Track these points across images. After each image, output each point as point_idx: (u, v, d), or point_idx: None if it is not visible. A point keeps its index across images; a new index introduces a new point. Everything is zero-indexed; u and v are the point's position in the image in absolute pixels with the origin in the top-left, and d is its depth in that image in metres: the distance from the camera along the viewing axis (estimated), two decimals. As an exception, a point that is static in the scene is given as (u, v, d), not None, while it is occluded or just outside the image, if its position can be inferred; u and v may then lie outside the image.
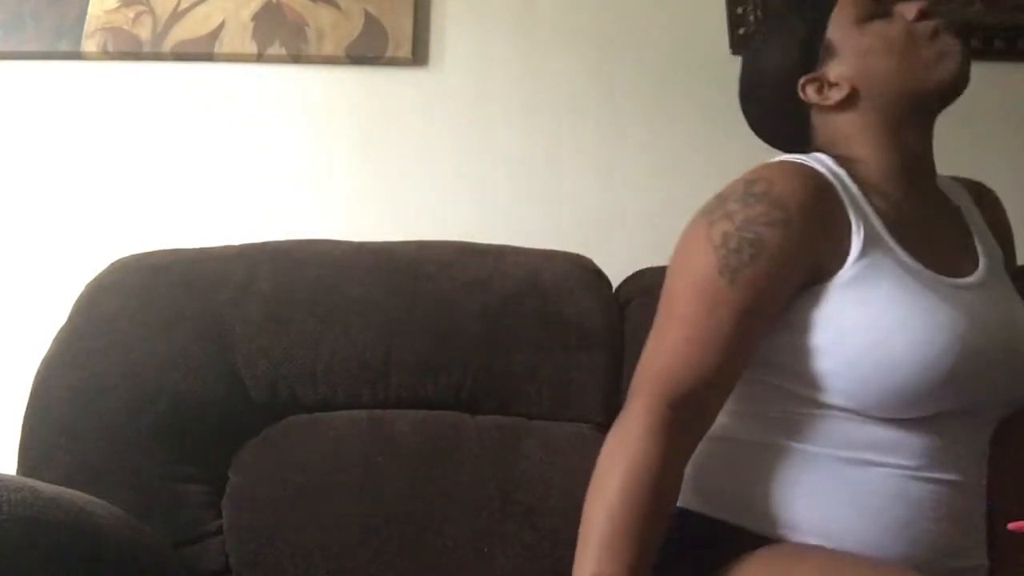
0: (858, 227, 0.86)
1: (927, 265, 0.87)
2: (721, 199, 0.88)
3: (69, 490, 0.88)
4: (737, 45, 1.59)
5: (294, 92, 1.55)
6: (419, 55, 1.57)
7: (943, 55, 0.92)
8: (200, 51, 1.53)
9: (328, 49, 1.54)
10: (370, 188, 1.52)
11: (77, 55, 1.52)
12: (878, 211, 0.89)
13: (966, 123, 1.64)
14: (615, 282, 1.27)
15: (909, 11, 0.93)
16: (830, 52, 0.95)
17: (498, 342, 1.12)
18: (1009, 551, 0.89)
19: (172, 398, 1.05)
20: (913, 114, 0.94)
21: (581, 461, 1.08)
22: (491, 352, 1.12)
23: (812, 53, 0.95)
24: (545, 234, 1.37)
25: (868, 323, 0.82)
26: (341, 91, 1.55)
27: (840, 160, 0.93)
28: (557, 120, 1.56)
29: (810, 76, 0.95)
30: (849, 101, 0.94)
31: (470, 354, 1.12)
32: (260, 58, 1.54)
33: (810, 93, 0.95)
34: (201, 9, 1.55)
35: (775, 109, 1.00)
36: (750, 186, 0.87)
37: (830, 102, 0.94)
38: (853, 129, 0.95)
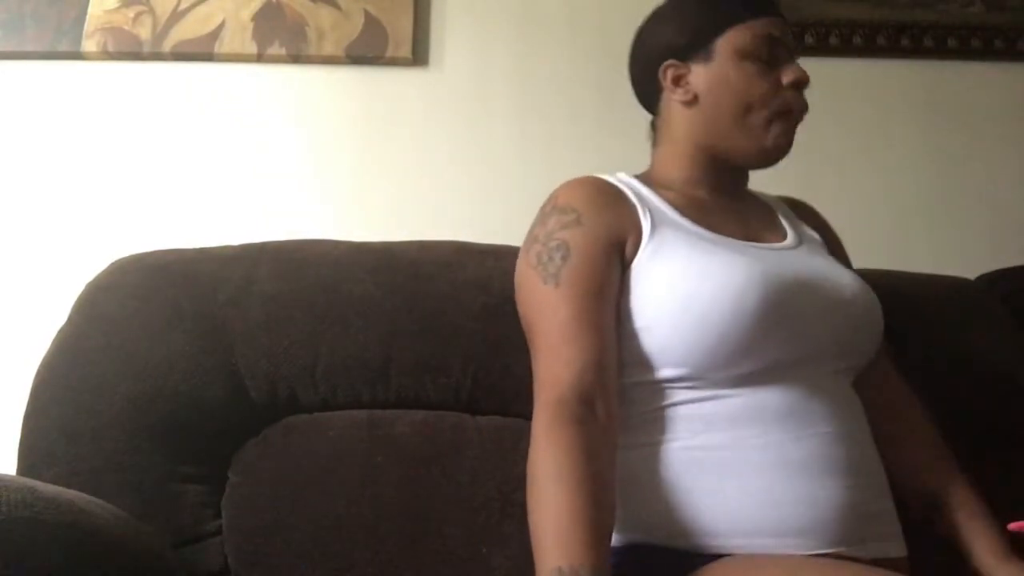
0: (644, 212, 0.95)
1: (723, 234, 0.95)
2: (531, 228, 0.99)
3: (69, 490, 0.88)
4: (737, 45, 1.59)
5: (294, 92, 1.55)
6: (419, 55, 1.57)
7: (770, 136, 0.98)
8: (200, 51, 1.53)
9: (328, 49, 1.55)
10: (370, 188, 1.52)
11: (77, 55, 1.52)
12: (667, 200, 0.98)
13: (966, 123, 1.64)
14: (615, 282, 1.27)
15: (788, 75, 0.98)
16: (706, 58, 1.00)
17: (498, 342, 1.12)
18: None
19: (172, 398, 1.05)
20: (725, 160, 1.02)
21: (581, 461, 1.08)
22: (491, 352, 1.12)
23: (694, 49, 1.01)
24: (545, 234, 1.37)
25: (674, 283, 0.88)
26: (341, 91, 1.55)
27: (640, 175, 1.05)
28: (556, 120, 1.57)
29: (676, 63, 1.02)
30: (687, 106, 1.01)
31: (470, 354, 1.12)
32: (260, 58, 1.54)
33: (667, 77, 1.02)
34: (201, 9, 1.55)
35: (641, 73, 1.07)
36: (543, 208, 0.99)
37: (674, 96, 1.02)
38: (678, 129, 1.03)
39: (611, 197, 0.97)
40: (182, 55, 1.53)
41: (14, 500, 0.76)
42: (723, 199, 1.02)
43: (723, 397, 0.87)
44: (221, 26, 1.54)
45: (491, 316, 1.14)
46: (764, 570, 0.78)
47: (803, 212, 1.11)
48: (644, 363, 0.90)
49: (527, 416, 1.13)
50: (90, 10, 1.53)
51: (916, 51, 1.62)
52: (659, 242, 0.93)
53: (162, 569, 0.95)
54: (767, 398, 0.86)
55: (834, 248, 1.08)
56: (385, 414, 1.10)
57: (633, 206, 0.96)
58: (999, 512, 0.90)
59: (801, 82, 0.98)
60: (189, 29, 1.54)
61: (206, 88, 1.54)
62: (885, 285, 1.06)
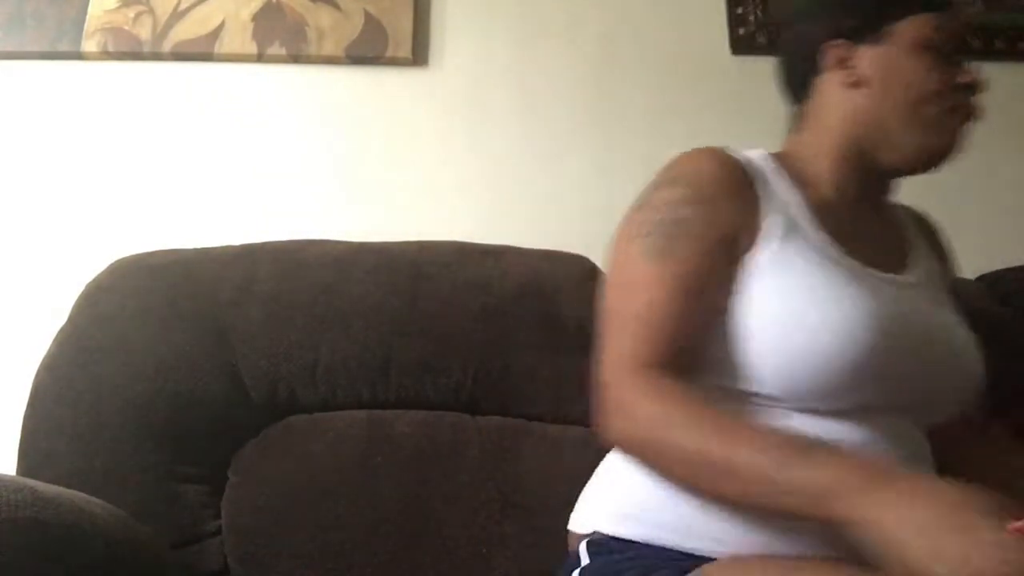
0: (772, 211, 0.88)
1: (850, 254, 0.87)
2: (643, 193, 0.92)
3: (69, 490, 0.88)
4: (737, 45, 1.59)
5: (294, 92, 1.55)
6: (419, 55, 1.57)
7: (944, 132, 0.91)
8: (200, 51, 1.53)
9: (328, 49, 1.54)
10: (370, 188, 1.52)
11: (77, 55, 1.52)
12: (802, 200, 0.90)
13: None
14: (615, 282, 1.27)
15: (965, 75, 0.91)
16: (877, 41, 0.92)
17: (498, 342, 1.12)
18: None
19: (172, 398, 1.05)
20: (873, 152, 0.93)
21: (581, 462, 1.08)
22: (491, 353, 1.12)
23: (865, 31, 0.93)
24: (545, 234, 1.37)
25: (786, 303, 0.82)
26: (341, 91, 1.55)
27: (778, 157, 0.95)
28: (557, 120, 1.57)
29: (844, 44, 0.93)
30: (850, 88, 0.93)
31: (470, 354, 1.12)
32: (260, 58, 1.54)
33: (830, 57, 0.94)
34: (201, 9, 1.55)
35: (795, 52, 0.99)
36: (665, 173, 0.91)
37: (836, 77, 0.93)
38: (833, 113, 0.94)
39: (740, 185, 0.89)
40: (182, 55, 1.53)
41: (14, 500, 0.76)
42: (861, 208, 0.94)
43: (799, 417, 0.82)
44: (221, 26, 1.54)
45: (491, 316, 1.14)
46: (802, 572, 0.75)
47: (927, 231, 1.05)
48: (732, 369, 0.85)
49: (527, 416, 1.13)
50: (90, 10, 1.53)
51: (915, 51, 1.62)
52: (781, 250, 0.85)
53: (162, 569, 0.95)
54: (844, 430, 0.81)
55: (947, 275, 1.02)
56: (385, 414, 1.10)
57: (760, 201, 0.88)
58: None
59: (978, 85, 0.91)
60: (189, 29, 1.54)
61: (206, 88, 1.54)
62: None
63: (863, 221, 0.93)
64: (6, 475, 0.84)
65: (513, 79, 1.58)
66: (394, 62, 1.56)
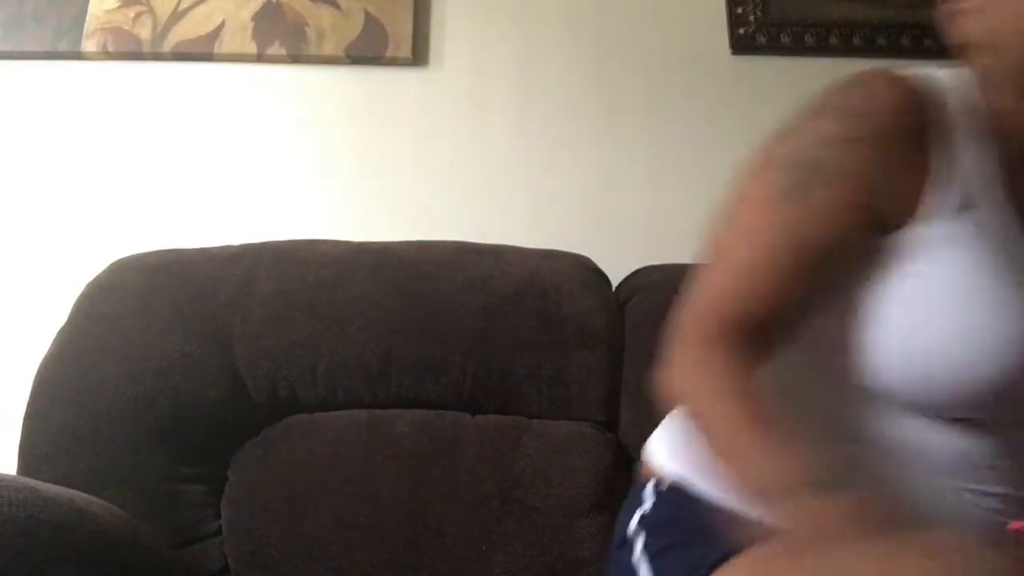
0: (951, 176, 0.70)
1: None
2: (798, 112, 0.74)
3: (69, 490, 0.88)
4: (737, 45, 1.59)
5: (294, 92, 1.55)
6: (419, 55, 1.57)
7: None
8: (200, 51, 1.53)
9: (328, 49, 1.54)
10: (370, 188, 1.52)
11: (77, 55, 1.52)
12: (998, 155, 0.71)
13: (966, 123, 1.64)
14: (615, 281, 1.27)
15: None
16: None
17: (498, 342, 1.12)
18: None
19: (172, 398, 1.05)
20: None
21: (581, 460, 1.08)
22: (491, 352, 1.12)
23: None
24: (545, 234, 1.37)
25: (932, 300, 0.69)
26: (341, 91, 1.55)
27: (979, 92, 0.73)
28: (557, 120, 1.56)
29: None
30: (972, 48, 0.72)
31: (470, 354, 1.12)
32: (260, 58, 1.54)
33: (945, 10, 0.73)
34: (201, 9, 1.55)
35: None
36: (828, 97, 0.73)
37: (952, 36, 0.72)
38: (983, 74, 0.74)
39: (917, 134, 0.70)
40: (182, 55, 1.53)
41: (14, 500, 0.76)
42: None
43: (908, 423, 0.73)
44: (221, 26, 1.54)
45: (491, 316, 1.14)
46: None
47: None
48: (845, 350, 0.73)
49: (527, 414, 1.13)
50: (90, 10, 1.53)
51: (916, 51, 1.62)
52: (946, 234, 0.69)
53: (162, 569, 0.95)
54: (954, 443, 0.72)
55: None
56: (385, 413, 1.11)
57: (936, 163, 0.70)
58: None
59: None
60: (189, 29, 1.54)
61: (206, 88, 1.54)
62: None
63: None
64: (6, 475, 0.84)
65: (513, 79, 1.58)
66: (394, 62, 1.56)
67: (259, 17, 1.55)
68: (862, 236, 0.70)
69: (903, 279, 0.70)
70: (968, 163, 0.70)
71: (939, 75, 0.74)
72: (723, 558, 0.69)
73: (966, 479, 0.72)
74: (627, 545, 0.83)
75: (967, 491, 0.72)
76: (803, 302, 0.72)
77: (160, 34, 1.53)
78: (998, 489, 0.72)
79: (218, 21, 1.54)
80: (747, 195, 0.74)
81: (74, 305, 1.12)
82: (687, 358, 0.71)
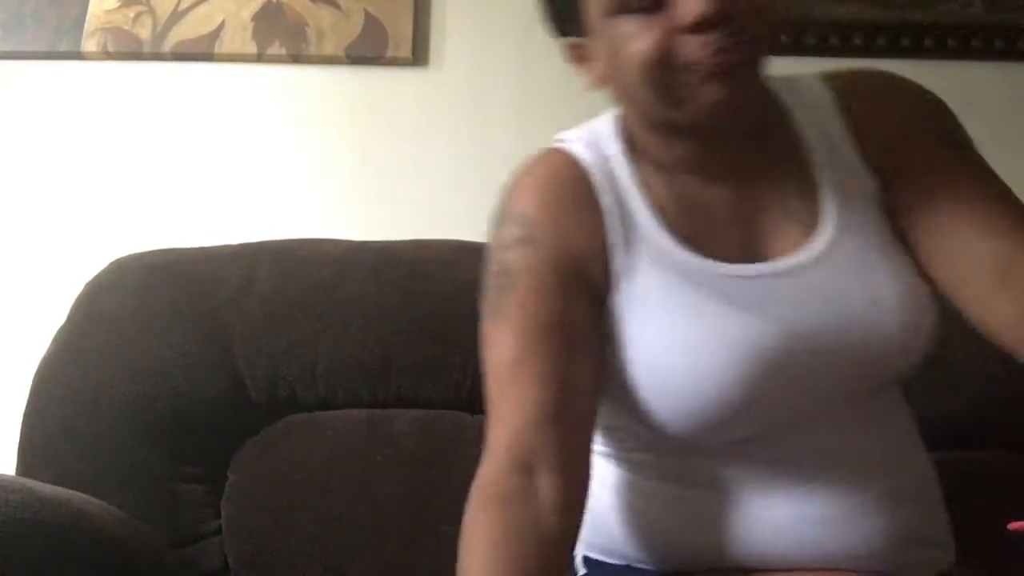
0: (623, 236, 0.74)
1: (718, 257, 0.73)
2: (490, 225, 0.79)
3: (67, 490, 0.88)
4: (737, 45, 1.59)
5: (294, 92, 1.55)
6: (419, 55, 1.57)
7: (691, 99, 0.68)
8: (200, 51, 1.53)
9: (328, 49, 1.54)
10: (370, 188, 1.52)
11: (77, 55, 1.52)
12: (654, 205, 0.75)
13: (966, 123, 1.64)
14: (615, 282, 1.27)
15: (686, 12, 0.64)
16: (588, 30, 0.73)
17: (498, 342, 1.12)
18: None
19: (172, 398, 1.05)
20: (676, 133, 0.74)
21: (581, 461, 1.08)
22: (491, 352, 1.12)
23: (570, 21, 0.74)
24: (545, 234, 1.36)
25: (649, 355, 0.72)
26: (341, 91, 1.55)
27: (627, 129, 0.79)
28: (556, 120, 1.56)
29: (573, 42, 0.76)
30: (604, 87, 0.75)
31: (470, 353, 1.12)
32: (260, 58, 1.54)
33: (573, 58, 0.78)
34: (201, 9, 1.55)
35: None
36: (501, 204, 0.78)
37: (586, 79, 0.77)
38: (622, 110, 0.79)
39: (577, 204, 0.75)
40: (182, 55, 1.53)
41: (14, 501, 0.76)
42: (724, 182, 0.76)
43: (711, 459, 0.75)
44: (221, 26, 1.54)
45: (491, 316, 1.14)
46: None
47: (857, 114, 0.78)
48: (626, 410, 0.76)
49: (527, 416, 1.13)
50: (90, 10, 1.53)
51: (916, 51, 1.62)
52: (636, 285, 0.73)
53: (162, 569, 0.95)
54: (752, 459, 0.74)
55: (906, 168, 0.76)
56: (385, 413, 1.10)
57: (606, 226, 0.74)
58: (993, 513, 0.89)
59: (701, 21, 0.64)
60: (189, 29, 1.54)
61: (206, 88, 1.54)
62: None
63: (734, 195, 0.75)
64: (6, 475, 0.84)
65: (513, 79, 1.57)
66: (394, 62, 1.56)
67: (259, 17, 1.55)
68: (582, 307, 0.73)
69: (626, 338, 0.73)
70: (631, 207, 0.75)
71: (595, 127, 0.81)
72: None
73: (806, 480, 0.73)
74: None
75: (815, 491, 0.73)
76: (571, 392, 0.71)
77: (160, 34, 1.53)
78: (841, 474, 0.73)
79: (218, 21, 1.54)
80: (483, 317, 0.76)
81: (74, 305, 1.12)
82: (467, 522, 0.69)
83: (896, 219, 0.76)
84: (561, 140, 0.82)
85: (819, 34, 1.61)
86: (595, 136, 0.80)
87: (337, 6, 1.56)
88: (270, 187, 1.50)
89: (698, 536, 0.76)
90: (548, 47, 1.47)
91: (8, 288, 1.42)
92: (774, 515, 0.74)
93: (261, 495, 1.05)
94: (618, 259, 0.74)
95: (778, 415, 0.73)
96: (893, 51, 1.61)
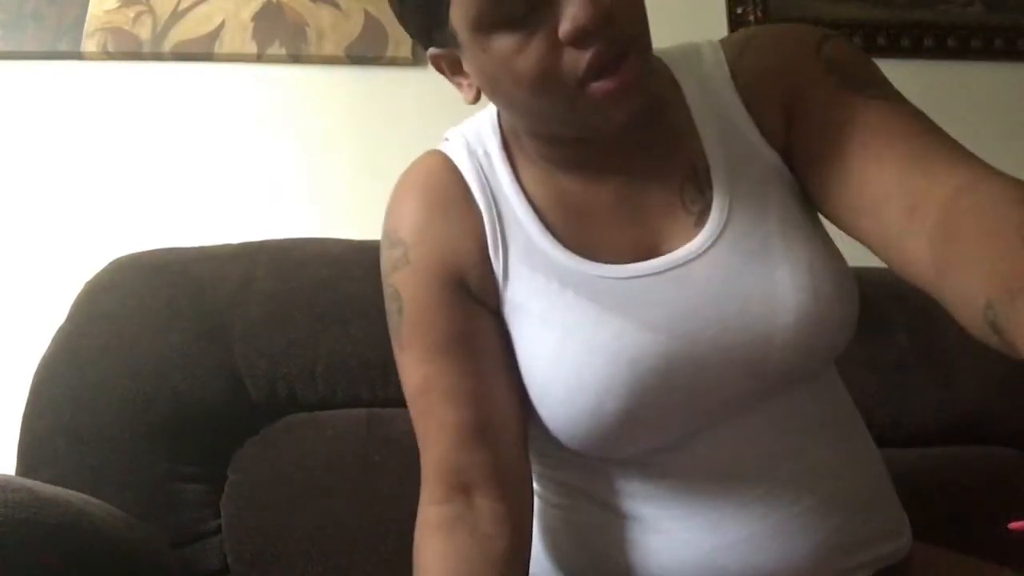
0: (500, 241, 0.70)
1: (603, 258, 0.69)
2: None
3: (67, 490, 0.88)
4: (737, 45, 1.59)
5: (294, 92, 1.55)
6: (419, 55, 1.57)
7: (587, 113, 0.63)
8: (200, 51, 1.53)
9: (328, 49, 1.54)
10: (370, 188, 1.52)
11: (77, 55, 1.52)
12: (532, 205, 0.71)
13: (966, 123, 1.64)
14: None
15: (565, 29, 0.59)
16: (456, 43, 0.66)
17: (498, 342, 1.12)
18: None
19: (171, 397, 1.05)
20: (562, 140, 0.70)
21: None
22: (491, 352, 1.12)
23: (439, 33, 0.67)
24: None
25: (529, 366, 0.69)
26: (341, 91, 1.55)
27: (508, 126, 0.75)
28: (557, 120, 1.56)
29: (442, 53, 0.69)
30: (479, 98, 0.71)
31: (470, 354, 1.12)
32: (260, 58, 1.54)
33: (444, 68, 0.71)
34: (201, 9, 1.55)
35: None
36: (385, 215, 0.76)
37: (461, 92, 0.71)
38: (504, 115, 0.75)
39: (450, 211, 0.71)
40: (182, 55, 1.53)
41: (12, 501, 0.75)
42: (607, 178, 0.71)
43: (625, 471, 0.71)
44: (221, 26, 1.54)
45: (491, 316, 1.14)
46: None
47: (747, 78, 0.71)
48: (535, 427, 0.72)
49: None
50: (90, 10, 1.53)
51: (916, 51, 1.62)
52: (517, 293, 0.70)
53: (162, 569, 0.95)
54: (680, 468, 0.69)
55: (783, 93, 0.70)
56: (384, 412, 1.10)
57: (484, 232, 0.71)
58: (992, 508, 0.89)
59: (582, 34, 0.59)
60: (189, 29, 1.54)
61: (206, 88, 1.54)
62: (882, 283, 1.06)
63: (616, 189, 0.71)
64: (5, 475, 0.84)
65: (513, 79, 1.57)
66: (394, 62, 1.56)
67: (259, 17, 1.55)
68: (476, 321, 0.70)
69: (517, 347, 0.70)
70: (506, 206, 0.71)
71: (477, 122, 0.77)
72: None
73: (730, 492, 0.69)
74: None
75: (743, 504, 0.68)
76: (492, 405, 0.70)
77: (160, 34, 1.53)
78: (765, 485, 0.69)
79: (218, 21, 1.54)
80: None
81: (73, 304, 1.12)
82: (415, 548, 0.70)
83: (807, 186, 0.70)
84: (446, 139, 0.79)
85: (819, 34, 1.61)
86: (476, 133, 0.77)
87: (337, 6, 1.56)
88: (270, 187, 1.50)
89: (613, 561, 0.72)
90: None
91: (8, 288, 1.42)
92: (687, 537, 0.69)
93: (261, 495, 1.05)
94: (498, 265, 0.70)
95: (679, 424, 0.68)
96: (893, 51, 1.61)
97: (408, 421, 1.10)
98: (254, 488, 1.06)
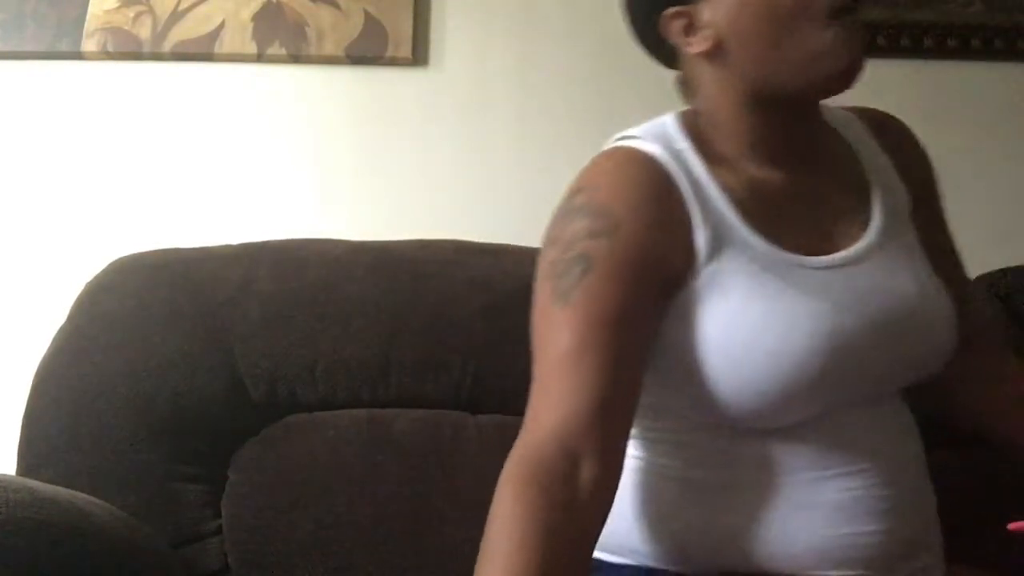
0: (703, 222, 0.76)
1: (790, 247, 0.77)
2: (551, 221, 0.80)
3: (67, 490, 0.88)
4: (737, 45, 1.59)
5: (294, 92, 1.55)
6: (419, 55, 1.57)
7: (836, 46, 0.73)
8: (200, 51, 1.53)
9: (328, 49, 1.54)
10: (370, 188, 1.52)
11: (77, 55, 1.52)
12: (729, 193, 0.78)
13: (966, 123, 1.64)
14: (615, 281, 1.27)
15: None
16: None
17: (498, 341, 1.12)
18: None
19: (171, 398, 1.05)
20: (784, 100, 0.79)
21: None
22: (491, 351, 1.12)
23: None
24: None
25: (726, 334, 0.74)
26: (341, 91, 1.55)
27: (690, 125, 0.82)
28: (556, 120, 1.56)
29: (678, 10, 0.77)
30: (712, 55, 0.78)
31: (470, 353, 1.12)
32: (260, 58, 1.54)
33: (673, 30, 0.79)
34: (201, 9, 1.55)
35: (643, 32, 0.85)
36: (571, 199, 0.78)
37: (691, 49, 0.79)
38: (713, 89, 0.81)
39: (663, 202, 0.76)
40: (182, 55, 1.53)
41: (14, 500, 0.76)
42: (792, 171, 0.81)
43: (755, 442, 0.77)
44: (221, 26, 1.54)
45: (491, 314, 1.14)
46: None
47: (889, 134, 0.88)
48: (687, 397, 0.78)
49: (527, 415, 1.13)
50: (90, 10, 1.53)
51: (916, 51, 1.62)
52: (717, 270, 0.75)
53: (162, 569, 0.95)
54: (804, 440, 0.77)
55: (916, 179, 0.87)
56: (385, 413, 1.11)
57: (688, 213, 0.76)
58: (997, 511, 0.90)
59: None
60: (189, 29, 1.54)
61: (206, 88, 1.54)
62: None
63: (801, 192, 0.81)
64: (6, 475, 0.84)
65: (513, 79, 1.57)
66: (394, 62, 1.56)
67: (259, 17, 1.55)
68: (655, 298, 0.75)
69: (709, 320, 0.75)
70: (711, 200, 0.77)
71: (655, 126, 0.82)
72: None
73: (834, 466, 0.76)
74: None
75: (840, 475, 0.76)
76: (625, 385, 0.73)
77: (160, 34, 1.53)
78: (863, 465, 0.76)
79: (218, 21, 1.54)
80: (537, 301, 0.77)
81: (73, 305, 1.12)
82: (500, 496, 0.70)
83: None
84: (626, 138, 0.83)
85: (819, 34, 1.61)
86: (660, 134, 0.82)
87: (337, 6, 1.56)
88: (270, 187, 1.50)
89: (724, 529, 0.78)
90: (548, 47, 1.47)
91: (8, 288, 1.42)
92: (813, 500, 0.75)
93: (261, 495, 1.05)
94: (700, 243, 0.76)
95: (838, 398, 0.76)
96: (893, 51, 1.61)
97: (408, 421, 1.11)
98: (254, 488, 1.06)
